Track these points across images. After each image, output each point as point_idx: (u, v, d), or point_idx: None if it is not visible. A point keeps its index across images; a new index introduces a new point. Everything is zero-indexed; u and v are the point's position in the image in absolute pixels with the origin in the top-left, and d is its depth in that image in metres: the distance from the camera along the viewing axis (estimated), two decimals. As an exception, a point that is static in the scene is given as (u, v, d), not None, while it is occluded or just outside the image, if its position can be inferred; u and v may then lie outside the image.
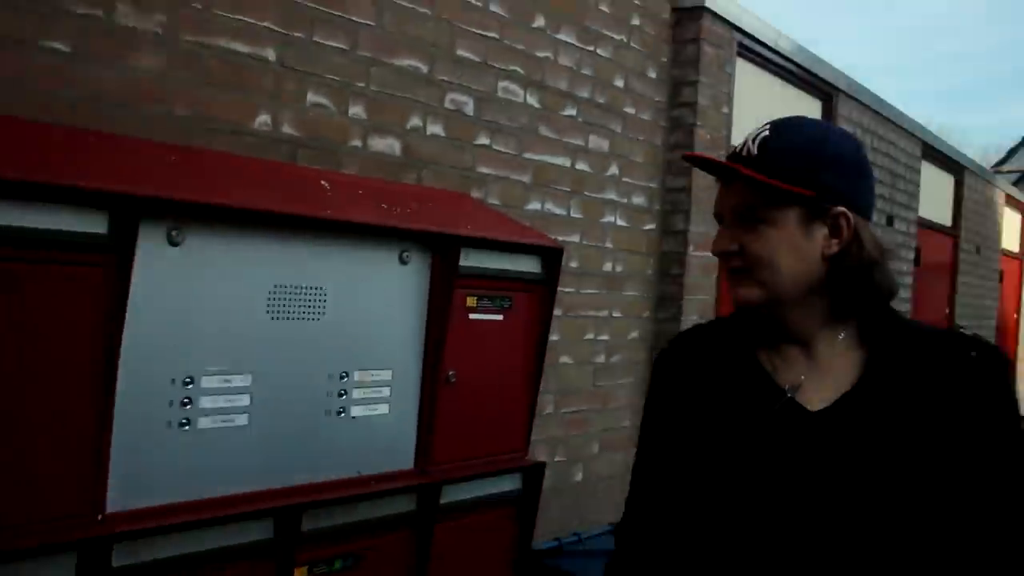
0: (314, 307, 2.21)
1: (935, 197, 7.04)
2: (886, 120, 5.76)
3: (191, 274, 1.95)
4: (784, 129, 1.47)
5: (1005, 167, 19.27)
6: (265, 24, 2.38)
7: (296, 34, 2.46)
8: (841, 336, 1.49)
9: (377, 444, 2.37)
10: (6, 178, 1.61)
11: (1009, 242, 9.34)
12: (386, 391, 2.39)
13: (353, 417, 2.30)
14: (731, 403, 1.49)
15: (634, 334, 3.81)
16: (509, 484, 2.73)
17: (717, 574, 1.45)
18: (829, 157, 1.45)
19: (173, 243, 1.92)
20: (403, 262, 2.44)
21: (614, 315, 3.69)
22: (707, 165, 1.48)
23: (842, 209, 1.42)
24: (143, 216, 1.82)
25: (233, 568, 2.01)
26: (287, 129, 2.46)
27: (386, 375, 2.39)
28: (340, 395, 2.27)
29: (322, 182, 2.45)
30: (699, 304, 3.99)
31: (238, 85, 2.33)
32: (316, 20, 2.51)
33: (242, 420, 2.05)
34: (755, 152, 1.43)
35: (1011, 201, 9.17)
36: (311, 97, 2.52)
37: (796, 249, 1.44)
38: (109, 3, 2.07)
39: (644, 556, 1.57)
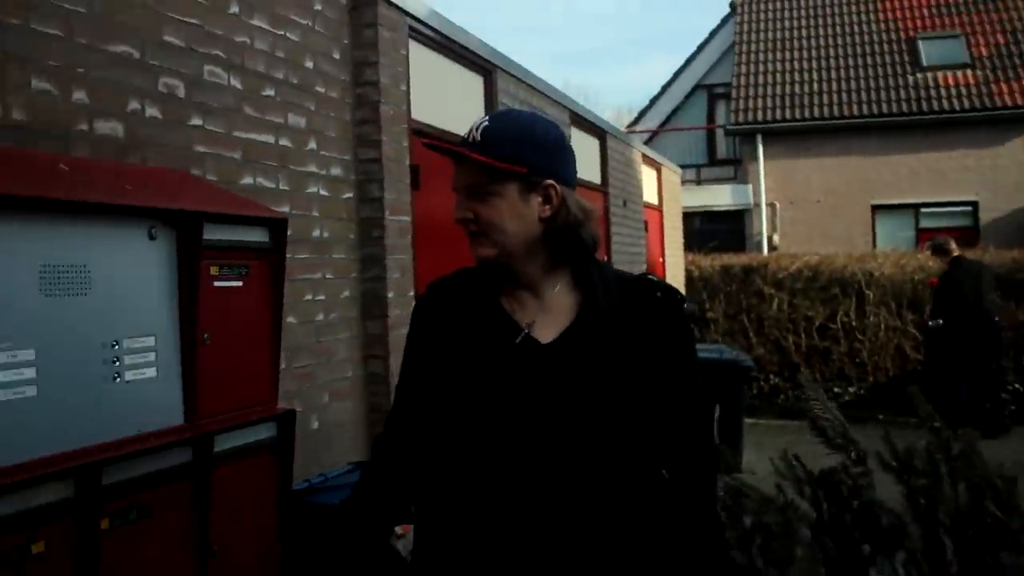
0: (80, 283, 2.36)
1: (585, 158, 7.89)
2: (538, 92, 6.49)
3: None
4: (501, 119, 1.83)
5: (637, 127, 21.61)
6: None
7: (12, 21, 2.53)
8: (560, 282, 1.87)
9: (151, 404, 2.56)
10: None
11: (649, 196, 10.50)
12: (152, 355, 2.58)
13: (127, 381, 2.47)
14: (481, 338, 1.84)
15: (346, 293, 4.16)
16: (266, 432, 3.00)
17: (464, 480, 1.81)
18: (537, 140, 1.81)
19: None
20: (152, 237, 2.63)
21: (327, 276, 4.01)
22: (442, 150, 1.87)
23: (550, 181, 1.79)
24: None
25: (46, 528, 2.15)
26: (16, 115, 2.55)
27: (150, 341, 2.58)
28: (114, 362, 2.43)
29: (61, 165, 2.57)
30: (399, 262, 4.42)
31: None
32: (33, 8, 2.59)
33: (31, 391, 2.18)
34: (479, 139, 1.77)
35: (646, 160, 10.38)
36: (35, 83, 2.61)
37: (518, 214, 1.79)
38: None
39: (394, 464, 1.94)
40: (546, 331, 1.84)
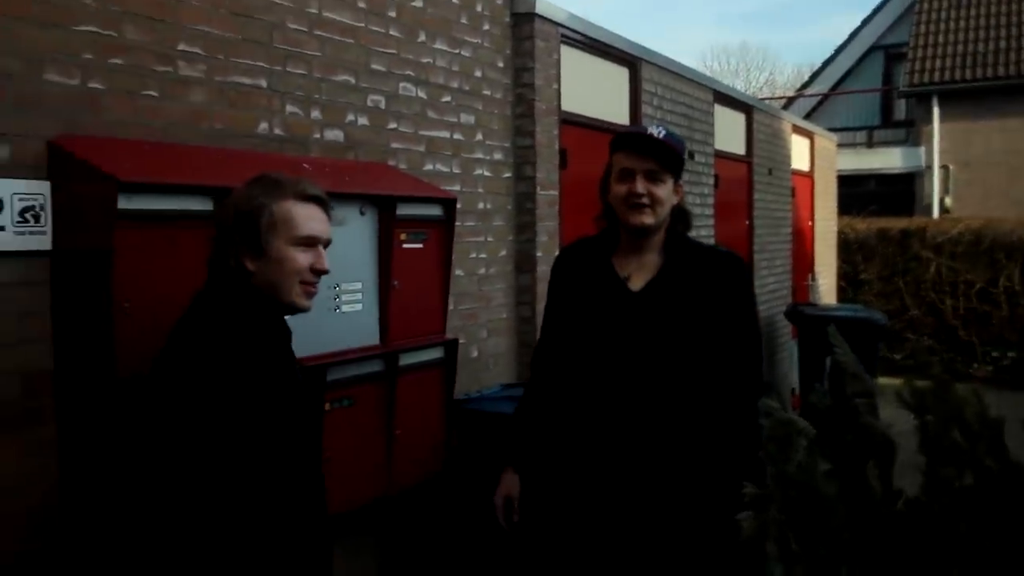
0: (316, 246, 3.51)
1: (730, 132, 8.41)
2: (681, 77, 7.33)
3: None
4: (671, 133, 2.63)
5: (808, 90, 21.66)
6: (258, 63, 3.63)
7: (275, 67, 3.72)
8: (656, 248, 2.66)
9: (358, 329, 3.71)
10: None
11: (799, 163, 10.71)
12: (359, 295, 3.73)
13: (343, 312, 3.64)
14: (594, 286, 2.72)
15: (503, 252, 5.26)
16: (436, 354, 4.08)
17: (581, 390, 2.68)
18: (682, 154, 2.64)
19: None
20: (362, 213, 3.77)
21: (488, 239, 5.12)
22: (644, 141, 2.59)
23: (681, 183, 2.67)
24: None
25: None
26: (277, 131, 3.75)
27: (359, 285, 3.73)
28: (335, 299, 3.60)
29: (304, 165, 3.75)
30: (547, 228, 5.47)
31: (246, 105, 3.59)
32: (287, 56, 3.78)
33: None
34: (663, 138, 2.56)
35: (797, 129, 10.64)
36: (288, 108, 3.80)
37: (670, 198, 2.61)
38: (173, 62, 3.29)
39: (544, 380, 2.88)
40: (638, 282, 2.64)
